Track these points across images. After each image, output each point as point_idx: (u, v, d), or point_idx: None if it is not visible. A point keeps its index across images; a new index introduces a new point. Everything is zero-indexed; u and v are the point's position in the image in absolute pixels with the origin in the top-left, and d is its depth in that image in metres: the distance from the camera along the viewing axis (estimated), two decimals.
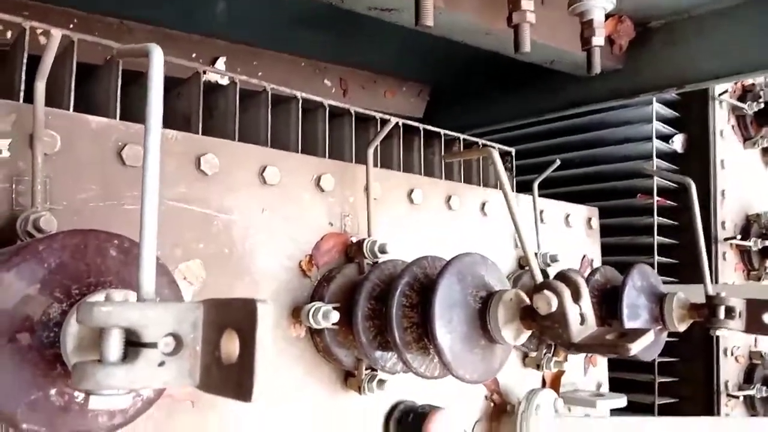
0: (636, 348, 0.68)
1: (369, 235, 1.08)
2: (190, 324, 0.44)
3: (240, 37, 1.58)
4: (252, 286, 0.98)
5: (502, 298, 0.82)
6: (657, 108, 2.09)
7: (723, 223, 2.10)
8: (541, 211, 1.47)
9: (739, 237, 2.08)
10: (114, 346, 0.42)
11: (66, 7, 1.34)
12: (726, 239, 2.07)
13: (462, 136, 1.43)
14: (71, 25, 1.38)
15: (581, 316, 0.77)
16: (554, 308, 0.75)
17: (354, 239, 1.11)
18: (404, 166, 1.29)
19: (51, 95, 0.93)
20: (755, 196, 2.30)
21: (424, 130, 1.39)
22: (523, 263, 1.41)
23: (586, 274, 1.52)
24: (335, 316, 0.96)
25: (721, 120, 2.15)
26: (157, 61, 0.53)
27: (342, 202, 1.12)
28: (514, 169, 1.66)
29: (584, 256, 1.59)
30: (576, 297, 0.77)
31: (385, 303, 0.94)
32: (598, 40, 1.12)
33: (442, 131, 1.40)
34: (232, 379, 0.40)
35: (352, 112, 1.31)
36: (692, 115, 2.16)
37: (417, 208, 1.24)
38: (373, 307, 0.97)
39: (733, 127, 2.22)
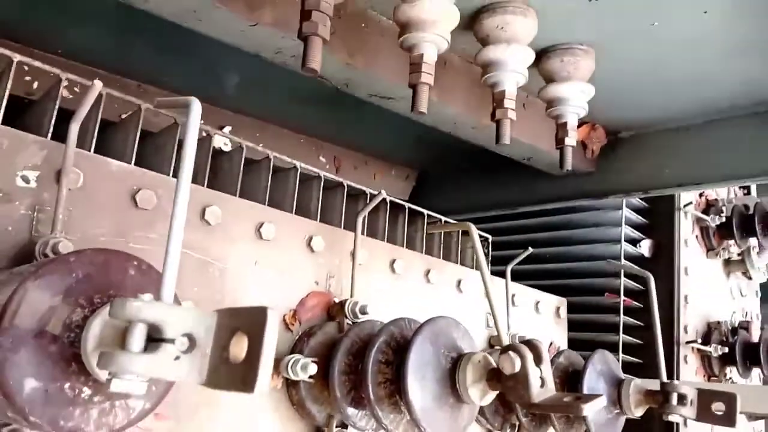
0: (588, 410, 0.75)
1: (351, 296, 1.16)
2: (205, 328, 0.51)
3: (246, 109, 1.70)
4: None
5: (471, 360, 0.89)
6: (626, 213, 2.24)
7: (686, 327, 2.20)
8: (513, 295, 1.55)
9: (699, 342, 2.17)
10: (138, 337, 0.49)
11: (90, 65, 1.46)
12: (687, 342, 2.16)
13: (443, 219, 1.54)
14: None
15: (541, 380, 0.84)
16: (517, 369, 0.82)
17: (336, 299, 1.18)
18: (388, 238, 1.38)
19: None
20: (716, 304, 2.41)
21: (409, 208, 1.50)
22: (493, 342, 1.48)
23: (551, 356, 1.59)
24: (313, 369, 1.01)
25: (686, 230, 2.30)
26: (195, 113, 0.63)
27: (329, 263, 1.20)
28: (490, 254, 1.75)
29: (551, 343, 1.66)
30: (537, 361, 0.84)
31: (362, 359, 1.00)
32: (571, 140, 1.25)
33: (426, 211, 1.50)
34: (237, 375, 0.47)
35: (345, 185, 1.42)
36: (659, 223, 2.31)
37: (398, 278, 1.32)
38: (349, 362, 1.03)
39: (696, 237, 2.37)
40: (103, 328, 0.56)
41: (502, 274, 1.65)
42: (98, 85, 0.83)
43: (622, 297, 2.17)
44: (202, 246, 1.02)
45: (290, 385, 1.08)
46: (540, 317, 1.66)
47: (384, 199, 1.40)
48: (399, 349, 0.98)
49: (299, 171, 1.33)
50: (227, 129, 1.67)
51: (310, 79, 1.05)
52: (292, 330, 1.11)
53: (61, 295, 0.59)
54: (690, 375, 2.20)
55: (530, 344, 0.86)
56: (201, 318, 0.51)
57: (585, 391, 1.23)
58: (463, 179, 2.06)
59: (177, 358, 0.49)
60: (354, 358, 1.03)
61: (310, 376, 1.02)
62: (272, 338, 0.47)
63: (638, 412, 1.21)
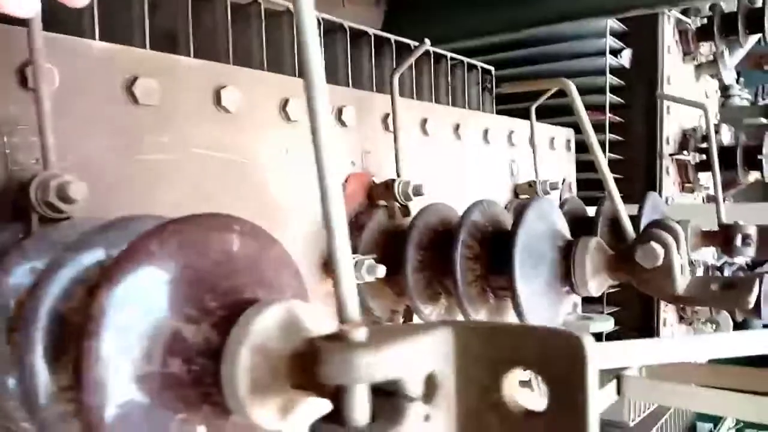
0: (753, 299, 0.66)
1: (399, 175, 0.97)
2: (444, 359, 0.33)
3: None
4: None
5: (587, 247, 0.76)
6: (610, 22, 2.06)
7: (668, 138, 2.17)
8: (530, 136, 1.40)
9: (683, 152, 2.16)
10: (363, 404, 0.30)
11: None
12: (671, 155, 2.15)
13: (466, 60, 1.31)
14: None
15: (680, 267, 0.73)
16: (660, 262, 0.70)
17: (375, 179, 0.99)
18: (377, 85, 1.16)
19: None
20: (689, 111, 2.39)
21: (396, 42, 1.24)
22: (519, 191, 1.36)
23: (565, 197, 1.51)
24: (382, 271, 0.86)
25: (669, 35, 2.17)
26: None
27: (363, 137, 0.99)
28: (493, 88, 1.57)
29: (564, 180, 1.57)
30: (677, 247, 0.73)
31: (436, 252, 0.85)
32: None
33: (449, 53, 1.27)
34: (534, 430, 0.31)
35: (346, 27, 1.15)
36: (640, 30, 2.16)
37: (429, 139, 1.13)
38: (421, 257, 0.87)
39: (676, 42, 2.25)
40: (253, 357, 0.36)
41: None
42: None
43: (608, 114, 2.08)
44: (223, 142, 0.78)
45: None
46: (554, 153, 1.54)
47: (366, 33, 1.15)
48: (485, 240, 0.83)
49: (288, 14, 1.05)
50: None
51: None
52: None
53: (163, 311, 0.38)
54: (670, 186, 2.22)
55: (669, 229, 0.73)
56: (436, 346, 0.32)
57: None
58: (445, 2, 1.78)
59: (427, 418, 0.32)
60: (424, 251, 0.88)
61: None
62: (594, 385, 0.29)
63: (695, 256, 1.16)
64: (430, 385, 0.33)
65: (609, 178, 0.78)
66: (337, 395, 0.32)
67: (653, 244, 0.71)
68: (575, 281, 0.77)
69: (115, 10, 0.84)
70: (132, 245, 0.39)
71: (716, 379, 1.68)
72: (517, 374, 0.32)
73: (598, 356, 0.31)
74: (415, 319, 0.98)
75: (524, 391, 0.32)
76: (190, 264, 0.40)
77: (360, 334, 0.31)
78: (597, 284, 0.78)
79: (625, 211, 0.78)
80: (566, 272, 0.77)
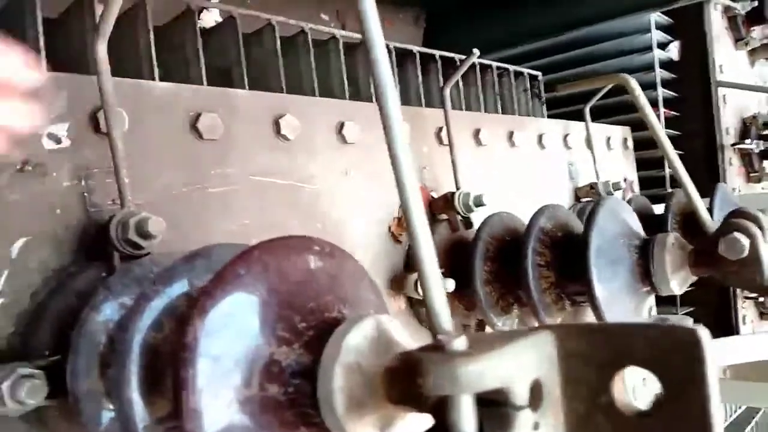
0: None
1: (458, 187, 0.96)
2: (548, 364, 0.32)
3: None
4: None
5: (665, 244, 0.73)
6: (654, 15, 2.01)
7: (727, 129, 2.09)
8: (587, 138, 1.38)
9: (745, 141, 2.08)
10: (469, 415, 0.29)
11: None
12: (733, 145, 2.07)
13: (512, 68, 1.30)
14: None
15: None
16: (746, 253, 0.67)
17: (434, 193, 0.99)
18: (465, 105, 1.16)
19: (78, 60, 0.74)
20: (747, 98, 2.30)
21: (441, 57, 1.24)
22: (580, 195, 1.33)
23: (628, 197, 1.47)
24: (451, 285, 0.85)
25: (717, 23, 2.10)
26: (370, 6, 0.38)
27: (417, 152, 0.99)
28: (542, 93, 1.54)
29: (625, 179, 1.52)
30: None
31: (505, 263, 0.84)
32: None
33: (494, 63, 1.26)
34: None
35: (392, 48, 1.16)
36: (687, 21, 2.10)
37: (484, 148, 1.12)
38: (489, 269, 0.86)
39: (726, 29, 2.18)
40: (348, 374, 0.36)
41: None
42: None
43: (662, 109, 2.02)
44: (284, 168, 0.79)
45: (416, 303, 0.92)
46: (612, 153, 1.50)
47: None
48: (555, 246, 0.81)
49: (341, 41, 1.06)
50: None
51: None
52: (401, 241, 0.93)
53: (255, 336, 0.38)
54: (734, 176, 2.13)
55: (751, 217, 0.70)
56: (541, 349, 0.31)
57: None
58: (485, 13, 1.77)
59: (536, 426, 0.30)
60: (492, 262, 0.86)
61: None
62: (715, 376, 0.28)
63: None
64: (537, 392, 0.32)
65: (682, 171, 0.75)
66: (440, 408, 0.31)
67: (737, 234, 0.67)
68: (656, 280, 0.74)
69: (170, 50, 0.87)
70: (220, 274, 0.39)
71: None
72: (626, 374, 0.30)
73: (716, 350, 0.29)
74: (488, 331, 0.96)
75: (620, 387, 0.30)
76: (277, 287, 0.40)
77: (460, 343, 0.30)
78: (679, 281, 0.74)
79: (702, 203, 0.75)
80: (644, 272, 0.74)
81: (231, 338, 0.38)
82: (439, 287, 0.35)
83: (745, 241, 0.67)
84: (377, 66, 0.37)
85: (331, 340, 0.37)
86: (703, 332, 0.28)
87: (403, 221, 0.93)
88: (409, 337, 0.38)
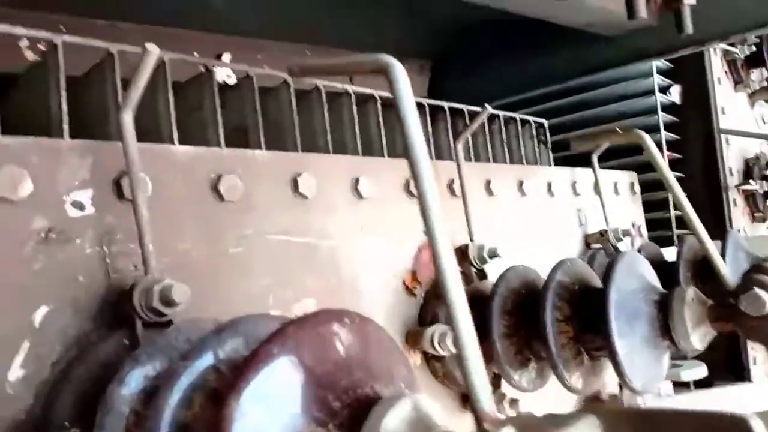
0: None
1: (471, 240, 0.96)
2: None
3: (240, 29, 1.39)
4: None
5: (684, 299, 0.73)
6: (655, 61, 2.05)
7: (730, 169, 2.10)
8: (596, 182, 1.38)
9: (749, 182, 2.09)
10: None
11: (48, 12, 1.11)
12: (737, 186, 2.08)
13: (519, 116, 1.32)
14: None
15: None
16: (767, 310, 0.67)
17: None
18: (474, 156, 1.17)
19: (91, 124, 0.75)
20: (748, 139, 2.32)
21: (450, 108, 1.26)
22: (590, 241, 1.33)
23: (638, 244, 1.46)
24: None
25: (717, 67, 2.14)
26: (401, 75, 0.39)
27: None
28: (548, 140, 1.56)
29: (633, 224, 1.53)
30: None
31: (522, 317, 0.83)
32: None
33: (501, 113, 1.28)
34: None
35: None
36: (687, 65, 2.13)
37: (494, 199, 1.12)
38: (507, 323, 0.85)
39: (726, 72, 2.22)
40: None
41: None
42: (153, 50, 0.55)
43: (666, 152, 2.04)
44: (302, 226, 0.80)
45: (431, 358, 0.91)
46: (619, 198, 1.51)
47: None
48: (574, 300, 0.81)
49: (353, 95, 1.08)
50: (226, 55, 1.37)
51: None
52: (416, 294, 0.93)
53: (289, 415, 0.37)
54: (739, 217, 2.14)
55: (764, 270, 0.70)
56: None
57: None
58: (489, 61, 1.80)
59: None
60: (510, 316, 0.86)
61: None
62: None
63: None
64: None
65: (698, 223, 0.76)
66: None
67: (758, 290, 0.67)
68: (675, 336, 0.74)
69: (186, 110, 0.88)
70: (253, 353, 0.39)
71: None
72: None
73: None
74: (504, 385, 0.95)
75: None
76: (311, 365, 0.40)
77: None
78: (700, 336, 0.74)
79: (720, 258, 0.75)
80: (664, 326, 0.74)
81: (265, 419, 0.38)
82: (480, 368, 0.34)
83: (766, 297, 0.67)
84: (409, 131, 0.37)
85: (367, 424, 0.37)
86: (755, 422, 0.28)
87: (418, 275, 0.94)
88: (446, 418, 0.37)
